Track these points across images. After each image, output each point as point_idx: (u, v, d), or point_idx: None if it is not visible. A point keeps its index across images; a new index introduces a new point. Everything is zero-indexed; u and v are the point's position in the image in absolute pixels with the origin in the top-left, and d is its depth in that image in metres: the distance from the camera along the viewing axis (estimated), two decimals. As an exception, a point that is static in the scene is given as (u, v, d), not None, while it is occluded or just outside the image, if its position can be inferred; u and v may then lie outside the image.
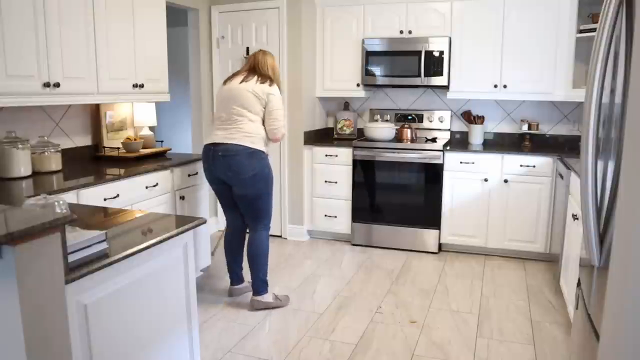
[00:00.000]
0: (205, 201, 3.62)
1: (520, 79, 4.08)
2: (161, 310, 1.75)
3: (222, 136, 3.03)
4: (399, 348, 2.70)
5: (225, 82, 3.17)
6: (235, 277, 3.37)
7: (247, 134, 3.01)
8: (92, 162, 3.33)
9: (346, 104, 4.88)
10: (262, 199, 3.11)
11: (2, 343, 1.23)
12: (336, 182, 4.44)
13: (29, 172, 2.77)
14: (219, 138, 3.03)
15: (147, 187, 3.03)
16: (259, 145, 3.04)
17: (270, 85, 3.07)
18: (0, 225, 1.19)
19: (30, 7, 2.56)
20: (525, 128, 4.32)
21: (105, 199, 2.72)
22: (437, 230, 4.22)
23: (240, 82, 3.07)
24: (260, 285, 3.17)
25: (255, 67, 3.15)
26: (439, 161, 4.12)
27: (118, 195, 2.80)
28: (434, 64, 4.21)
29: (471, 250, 4.26)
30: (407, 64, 4.28)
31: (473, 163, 4.07)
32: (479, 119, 4.44)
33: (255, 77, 3.09)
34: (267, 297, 3.19)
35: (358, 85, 4.51)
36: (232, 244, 3.33)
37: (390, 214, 4.31)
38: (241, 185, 3.05)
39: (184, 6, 4.36)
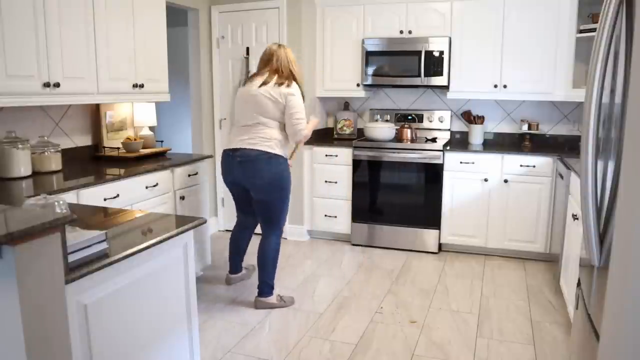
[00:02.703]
0: (206, 201, 3.62)
1: (520, 79, 4.08)
2: (161, 310, 1.75)
3: (240, 141, 3.03)
4: (399, 348, 2.70)
5: (245, 83, 3.11)
6: (234, 266, 3.51)
7: (265, 139, 2.99)
8: (92, 162, 3.33)
9: (346, 104, 4.88)
10: (277, 204, 3.09)
11: (2, 343, 1.23)
12: (336, 182, 4.44)
13: (29, 172, 2.77)
14: (237, 143, 3.04)
15: (147, 187, 3.03)
16: (277, 150, 3.01)
17: (288, 85, 2.98)
18: (0, 225, 1.19)
19: (30, 7, 2.55)
20: (525, 128, 4.32)
21: (105, 199, 2.72)
22: (437, 230, 4.22)
23: (260, 86, 3.01)
24: (265, 287, 3.18)
25: (276, 65, 3.04)
26: (439, 161, 4.12)
27: (118, 195, 2.80)
28: (434, 64, 4.21)
29: (471, 250, 4.26)
30: (407, 64, 4.28)
31: (473, 163, 4.07)
32: (479, 119, 4.44)
33: (275, 78, 3.00)
34: (271, 299, 3.20)
35: (358, 85, 4.51)
36: (238, 239, 3.45)
37: (390, 214, 4.31)
38: (258, 190, 3.06)
39: (184, 6, 4.36)
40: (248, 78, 3.15)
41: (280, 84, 2.98)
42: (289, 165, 3.35)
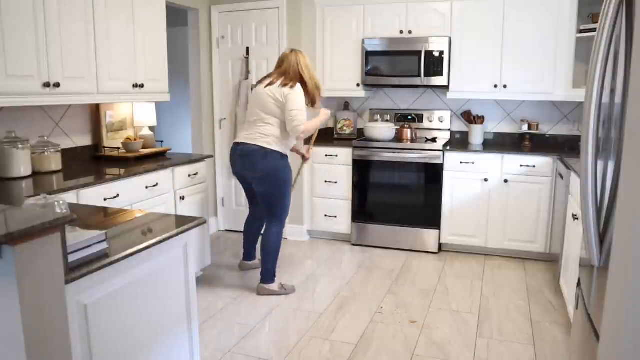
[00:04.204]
0: (206, 201, 3.62)
1: (521, 79, 4.08)
2: (161, 310, 1.75)
3: (243, 137, 3.29)
4: (399, 348, 2.70)
5: (257, 83, 3.37)
6: (247, 254, 3.77)
7: (264, 135, 3.21)
8: (92, 162, 3.33)
9: (346, 104, 4.88)
10: (274, 197, 3.30)
11: (2, 343, 1.23)
12: (336, 182, 4.44)
13: (29, 172, 2.77)
14: (241, 138, 3.30)
15: (147, 187, 3.03)
16: (274, 147, 3.22)
17: (292, 87, 3.17)
18: (0, 225, 1.19)
19: (30, 6, 2.55)
20: (525, 128, 4.32)
21: (105, 199, 2.72)
22: (437, 230, 4.22)
23: (266, 86, 3.24)
24: (267, 275, 3.38)
25: (284, 68, 3.27)
26: (439, 161, 4.12)
27: (118, 195, 2.80)
28: (434, 64, 4.21)
29: (471, 250, 4.26)
30: (407, 64, 4.28)
31: (473, 163, 4.07)
32: (479, 119, 4.44)
33: (281, 80, 3.22)
34: (273, 286, 3.38)
35: (358, 85, 4.51)
36: (250, 227, 3.69)
37: (390, 214, 4.31)
38: (256, 182, 3.30)
39: (184, 6, 4.36)
40: (260, 80, 3.39)
41: (284, 85, 3.19)
42: (306, 157, 3.67)
